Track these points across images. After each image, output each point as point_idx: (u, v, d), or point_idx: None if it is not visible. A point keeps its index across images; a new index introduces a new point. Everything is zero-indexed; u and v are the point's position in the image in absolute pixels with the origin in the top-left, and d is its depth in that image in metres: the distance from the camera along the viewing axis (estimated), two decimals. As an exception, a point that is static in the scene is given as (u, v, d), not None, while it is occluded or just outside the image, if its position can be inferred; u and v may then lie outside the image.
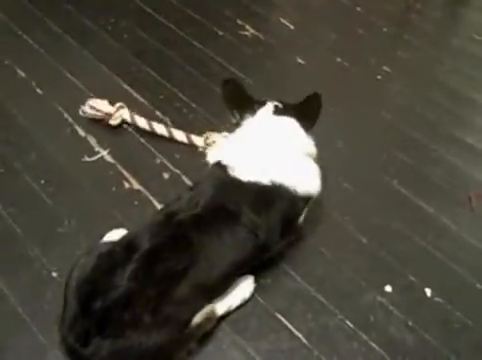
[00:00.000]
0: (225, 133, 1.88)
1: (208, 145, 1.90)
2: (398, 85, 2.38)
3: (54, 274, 1.56)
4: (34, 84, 2.18)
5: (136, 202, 1.77)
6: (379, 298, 1.59)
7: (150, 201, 1.78)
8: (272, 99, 1.63)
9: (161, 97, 2.18)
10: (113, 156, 1.91)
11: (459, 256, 1.71)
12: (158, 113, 2.09)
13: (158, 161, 1.92)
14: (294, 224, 1.58)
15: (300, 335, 1.48)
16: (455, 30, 2.86)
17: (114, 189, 1.81)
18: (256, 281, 1.55)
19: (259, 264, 1.55)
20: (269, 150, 1.50)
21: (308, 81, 2.31)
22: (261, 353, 1.44)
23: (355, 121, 2.17)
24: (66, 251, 1.59)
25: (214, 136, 1.93)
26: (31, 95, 2.13)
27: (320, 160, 1.61)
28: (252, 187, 1.45)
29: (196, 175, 1.83)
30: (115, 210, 1.73)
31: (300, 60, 2.45)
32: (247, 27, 2.61)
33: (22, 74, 2.22)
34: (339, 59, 2.48)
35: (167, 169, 1.89)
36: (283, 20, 2.71)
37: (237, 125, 1.61)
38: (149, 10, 2.66)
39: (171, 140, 1.96)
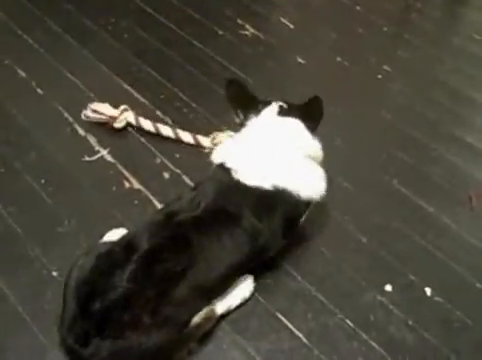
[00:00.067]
0: (232, 133, 1.87)
1: (215, 145, 1.89)
2: (398, 84, 2.37)
3: (54, 274, 1.56)
4: (34, 84, 2.18)
5: (136, 202, 1.77)
6: (379, 297, 1.59)
7: (150, 201, 1.78)
8: (273, 98, 1.62)
9: (161, 97, 2.18)
10: (113, 156, 1.92)
11: (459, 255, 1.71)
12: (158, 113, 2.09)
13: (158, 161, 1.92)
14: (295, 226, 1.58)
15: (300, 334, 1.48)
16: (455, 29, 2.86)
17: (114, 189, 1.81)
18: (256, 281, 1.55)
19: (259, 264, 1.55)
20: (273, 153, 1.49)
21: (308, 81, 2.31)
22: (261, 353, 1.44)
23: (355, 120, 2.17)
24: (66, 251, 1.59)
25: (221, 136, 1.92)
26: (31, 95, 2.13)
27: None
28: (254, 191, 1.43)
29: (196, 175, 1.83)
30: (115, 210, 1.73)
31: (300, 60, 2.45)
32: (247, 26, 2.61)
33: (22, 74, 2.22)
34: (339, 58, 2.48)
35: (167, 169, 1.89)
36: (283, 20, 2.71)
37: (241, 125, 1.59)
38: (149, 10, 2.66)
39: (177, 141, 1.96)
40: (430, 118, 2.22)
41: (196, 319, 1.34)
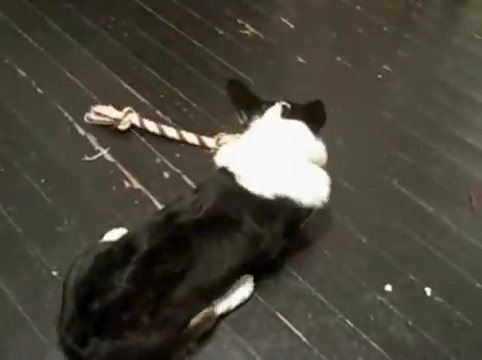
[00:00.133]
0: (237, 134, 1.85)
1: (220, 146, 1.88)
2: (398, 84, 2.37)
3: (54, 273, 1.56)
4: (34, 83, 2.17)
5: (136, 201, 1.77)
6: (379, 297, 1.59)
7: (150, 200, 1.78)
8: (275, 98, 1.60)
9: (161, 96, 2.18)
10: (113, 155, 1.91)
11: (459, 255, 1.71)
12: (158, 112, 2.09)
13: (158, 160, 1.92)
14: (297, 228, 1.58)
15: (300, 334, 1.48)
16: (455, 29, 2.86)
17: (114, 188, 1.81)
18: (256, 280, 1.55)
19: (259, 265, 1.55)
20: (276, 159, 1.47)
21: (308, 80, 2.31)
22: (261, 352, 1.44)
23: (355, 120, 2.17)
24: (66, 250, 1.59)
25: (226, 137, 1.92)
26: (31, 94, 2.13)
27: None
28: (257, 198, 1.42)
29: (197, 174, 1.84)
30: (115, 209, 1.73)
31: (300, 59, 2.45)
32: (247, 26, 2.61)
33: (22, 73, 2.22)
34: (339, 58, 2.48)
35: (167, 168, 1.89)
36: (283, 19, 2.70)
37: (245, 126, 1.57)
38: (149, 9, 2.66)
39: (181, 143, 1.96)
40: (430, 118, 2.22)
41: (195, 319, 1.34)
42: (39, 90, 2.15)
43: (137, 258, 1.30)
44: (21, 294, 1.51)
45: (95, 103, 2.04)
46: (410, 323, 1.53)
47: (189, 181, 1.85)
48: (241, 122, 1.60)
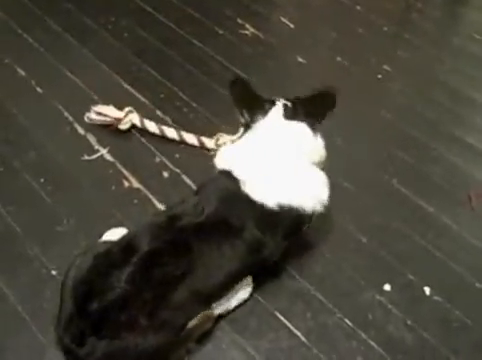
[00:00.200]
0: (236, 135, 1.84)
1: (219, 147, 1.88)
2: (398, 84, 2.37)
3: (53, 273, 1.56)
4: (34, 83, 2.17)
5: (136, 201, 1.77)
6: (378, 297, 1.58)
7: (150, 200, 1.78)
8: (275, 97, 1.58)
9: (161, 96, 2.18)
10: (113, 155, 1.91)
11: (459, 255, 1.71)
12: (158, 112, 2.09)
13: (158, 160, 1.92)
14: (298, 233, 1.57)
15: (299, 334, 1.48)
16: (455, 29, 2.85)
17: (114, 188, 1.81)
18: (255, 280, 1.55)
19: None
20: (279, 166, 1.45)
21: (308, 80, 2.30)
22: (261, 352, 1.44)
23: (355, 120, 2.16)
24: (65, 250, 1.59)
25: (225, 137, 1.92)
26: (31, 94, 2.13)
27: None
28: (259, 206, 1.41)
29: (196, 174, 1.84)
30: (114, 209, 1.73)
31: (300, 59, 2.45)
32: (247, 26, 2.61)
33: (22, 73, 2.22)
34: (339, 58, 2.48)
35: (167, 168, 1.89)
36: (283, 19, 2.70)
37: (247, 126, 1.54)
38: (149, 9, 2.66)
39: (181, 143, 1.96)
40: (430, 118, 2.22)
41: (193, 320, 1.33)
42: (39, 90, 2.15)
43: (136, 259, 1.30)
44: (20, 294, 1.51)
45: (95, 103, 2.04)
46: (409, 322, 1.53)
47: (188, 181, 1.85)
48: (242, 121, 1.57)
